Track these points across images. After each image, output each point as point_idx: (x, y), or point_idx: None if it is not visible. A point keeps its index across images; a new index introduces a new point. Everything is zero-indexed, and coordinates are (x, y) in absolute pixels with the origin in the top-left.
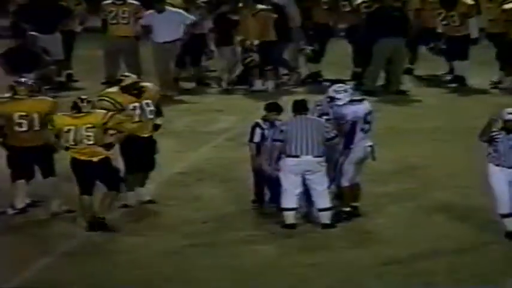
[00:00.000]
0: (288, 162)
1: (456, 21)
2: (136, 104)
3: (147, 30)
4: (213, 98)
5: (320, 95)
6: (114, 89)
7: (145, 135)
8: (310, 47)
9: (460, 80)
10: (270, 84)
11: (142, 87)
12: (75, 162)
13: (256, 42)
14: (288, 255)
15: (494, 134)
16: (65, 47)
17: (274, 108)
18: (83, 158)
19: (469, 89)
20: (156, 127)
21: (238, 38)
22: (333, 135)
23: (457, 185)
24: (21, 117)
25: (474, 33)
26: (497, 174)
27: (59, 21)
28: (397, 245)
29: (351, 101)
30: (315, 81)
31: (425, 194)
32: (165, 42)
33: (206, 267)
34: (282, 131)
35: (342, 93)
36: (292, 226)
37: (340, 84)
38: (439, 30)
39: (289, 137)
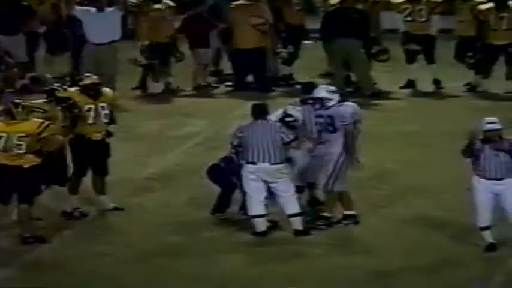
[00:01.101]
0: (247, 168)
1: (423, 17)
2: (92, 106)
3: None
4: (183, 102)
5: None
6: (75, 88)
7: (98, 139)
8: (285, 50)
9: (411, 85)
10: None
11: (100, 90)
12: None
13: (146, 42)
14: (259, 264)
15: (474, 146)
16: (28, 49)
17: (257, 110)
18: (8, 163)
19: (446, 92)
20: (109, 134)
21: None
22: (291, 138)
23: (434, 192)
24: None
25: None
26: (478, 186)
27: (21, 22)
28: (372, 254)
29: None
30: (288, 84)
31: (402, 201)
32: (100, 44)
33: (173, 277)
34: (238, 137)
35: (333, 94)
36: (262, 234)
37: (327, 86)
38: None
39: (247, 143)
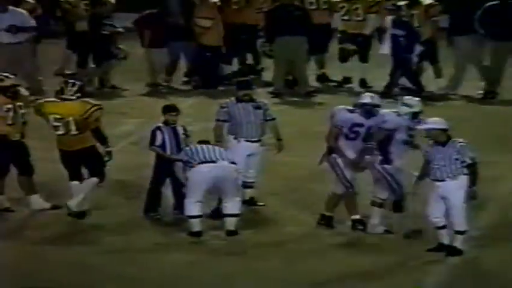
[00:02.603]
0: (200, 168)
1: (360, 16)
2: (11, 106)
3: None
4: (119, 100)
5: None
6: None
7: (16, 139)
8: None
9: (347, 81)
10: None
11: (18, 90)
12: None
13: None
14: (197, 264)
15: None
16: None
17: (171, 109)
18: None
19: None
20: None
21: None
22: None
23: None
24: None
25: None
26: (429, 187)
27: None
28: (307, 254)
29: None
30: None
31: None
32: (11, 44)
33: (111, 278)
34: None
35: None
36: (198, 234)
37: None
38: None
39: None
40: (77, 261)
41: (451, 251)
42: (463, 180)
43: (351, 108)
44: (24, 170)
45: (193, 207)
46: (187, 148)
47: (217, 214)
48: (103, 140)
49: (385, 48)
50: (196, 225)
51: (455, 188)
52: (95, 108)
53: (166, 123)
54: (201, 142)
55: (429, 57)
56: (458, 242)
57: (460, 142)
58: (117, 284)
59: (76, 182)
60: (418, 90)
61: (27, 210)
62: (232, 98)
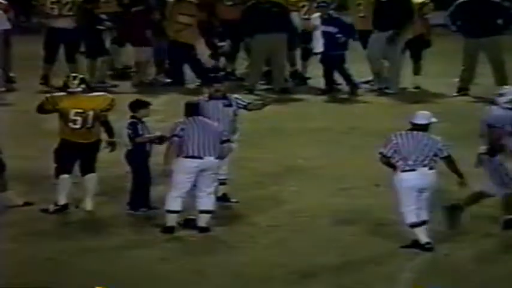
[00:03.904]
0: (187, 163)
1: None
2: None
3: None
4: None
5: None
6: None
7: None
8: (224, 43)
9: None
10: None
11: None
12: None
13: None
14: (170, 260)
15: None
16: None
17: (140, 105)
18: None
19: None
20: None
21: None
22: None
23: (343, 187)
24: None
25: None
26: (404, 181)
27: None
28: (279, 251)
29: None
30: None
31: (310, 197)
32: None
33: (82, 274)
34: (182, 129)
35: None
36: (170, 230)
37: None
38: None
39: (188, 138)
40: (48, 257)
41: None
42: None
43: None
44: None
45: (174, 202)
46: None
47: (188, 224)
48: (111, 131)
49: (319, 46)
50: (172, 220)
51: None
52: (114, 101)
53: (137, 118)
54: None
55: (414, 54)
56: None
57: None
58: (89, 280)
59: (66, 176)
60: (349, 86)
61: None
62: (205, 95)
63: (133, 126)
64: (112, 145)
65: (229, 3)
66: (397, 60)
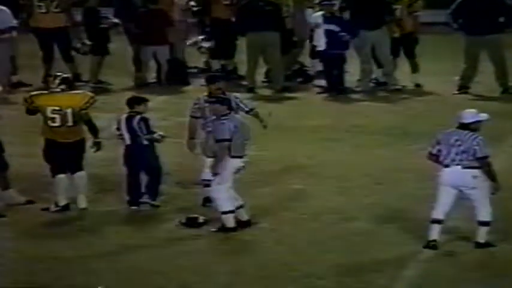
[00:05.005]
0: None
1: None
2: None
3: None
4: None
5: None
6: None
7: None
8: (205, 43)
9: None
10: None
11: None
12: None
13: None
14: (170, 260)
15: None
16: None
17: (138, 101)
18: None
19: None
20: None
21: None
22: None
23: (344, 186)
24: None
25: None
26: (439, 176)
27: None
28: (281, 249)
29: None
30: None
31: (312, 195)
32: None
33: (82, 272)
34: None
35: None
36: (234, 229)
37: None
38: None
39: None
40: (48, 255)
41: None
42: None
43: None
44: None
45: (230, 202)
46: None
47: (191, 223)
48: (95, 131)
49: (321, 44)
50: (231, 220)
51: None
52: (93, 99)
53: (136, 112)
54: None
55: (406, 52)
56: None
57: None
58: (88, 277)
59: (62, 176)
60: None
61: (1, 205)
62: (205, 94)
63: (145, 122)
64: (97, 145)
65: (226, 2)
66: (389, 55)
